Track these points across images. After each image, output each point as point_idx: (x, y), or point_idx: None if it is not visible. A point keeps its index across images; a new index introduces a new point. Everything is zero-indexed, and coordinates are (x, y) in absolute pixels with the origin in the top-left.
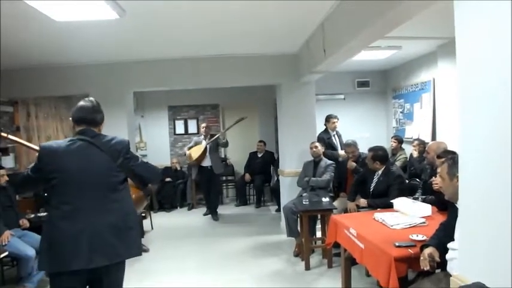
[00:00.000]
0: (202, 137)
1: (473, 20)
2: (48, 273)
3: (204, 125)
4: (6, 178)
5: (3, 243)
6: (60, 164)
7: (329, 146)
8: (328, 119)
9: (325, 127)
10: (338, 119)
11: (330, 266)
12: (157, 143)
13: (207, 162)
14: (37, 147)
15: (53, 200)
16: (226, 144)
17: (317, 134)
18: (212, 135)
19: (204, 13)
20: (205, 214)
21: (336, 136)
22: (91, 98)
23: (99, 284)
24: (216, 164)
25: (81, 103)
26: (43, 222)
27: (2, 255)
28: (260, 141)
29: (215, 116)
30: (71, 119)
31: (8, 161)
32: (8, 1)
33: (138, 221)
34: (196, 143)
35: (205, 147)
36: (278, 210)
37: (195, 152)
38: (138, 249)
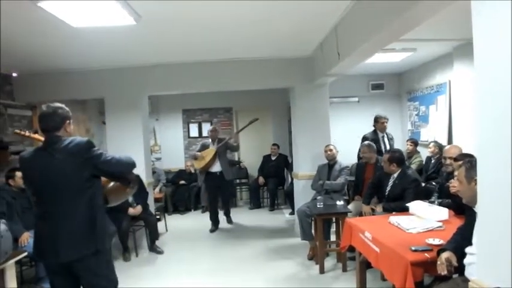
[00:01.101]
0: (210, 141)
1: (491, 20)
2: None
3: (210, 128)
4: None
5: (23, 245)
6: (28, 173)
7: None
8: (377, 119)
9: (373, 128)
10: (387, 120)
11: (344, 269)
12: (171, 146)
13: (216, 168)
14: None
15: (35, 204)
16: (237, 148)
17: (331, 137)
18: (220, 139)
19: (217, 17)
20: (212, 230)
21: (385, 138)
22: (50, 104)
23: (79, 272)
24: (226, 169)
25: (41, 112)
26: None
27: (21, 256)
28: (274, 145)
29: (228, 119)
30: None
31: None
32: (26, 7)
33: (103, 216)
34: (204, 147)
35: (216, 153)
36: (292, 213)
37: (203, 159)
38: (102, 242)
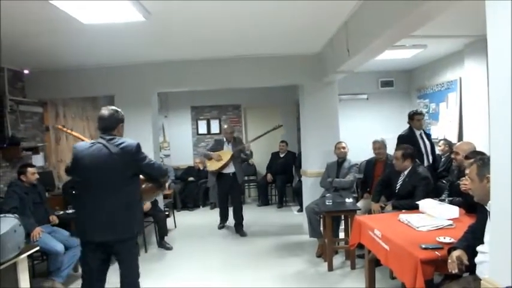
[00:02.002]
0: (225, 139)
1: (506, 17)
2: (80, 242)
3: (226, 128)
4: (37, 176)
5: (35, 240)
6: (81, 161)
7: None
8: (411, 116)
9: (408, 125)
10: (424, 115)
11: (353, 267)
12: (180, 142)
13: (229, 169)
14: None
15: (80, 189)
16: (250, 156)
17: (340, 134)
18: (235, 138)
19: (226, 14)
20: (220, 227)
21: (424, 136)
22: (109, 107)
23: (119, 254)
24: (239, 172)
25: (100, 112)
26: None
27: (33, 251)
28: (282, 142)
29: (237, 116)
30: None
31: (39, 160)
32: (38, 4)
33: (140, 208)
34: (218, 144)
35: (232, 155)
36: (300, 210)
37: (220, 161)
38: (137, 229)
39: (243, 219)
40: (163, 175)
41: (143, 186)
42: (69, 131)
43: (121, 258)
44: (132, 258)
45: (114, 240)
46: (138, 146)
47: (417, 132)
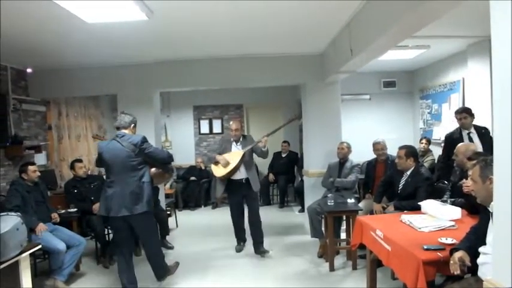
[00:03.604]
0: (232, 139)
1: (510, 18)
2: (105, 216)
3: (232, 123)
4: (38, 174)
5: (39, 234)
6: (105, 154)
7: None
8: (455, 115)
9: (458, 125)
10: (468, 114)
11: (354, 267)
12: (182, 142)
13: (240, 174)
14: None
15: (106, 176)
16: (266, 154)
17: (342, 135)
18: (245, 137)
19: (229, 14)
20: (238, 249)
21: (473, 136)
22: (124, 111)
23: (135, 227)
24: (254, 178)
25: (118, 116)
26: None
27: (36, 249)
28: (284, 142)
29: (239, 116)
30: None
31: (41, 158)
32: (40, 3)
33: (150, 190)
34: (225, 143)
35: (243, 156)
36: (301, 210)
37: (227, 165)
38: (147, 206)
39: (263, 236)
40: (167, 161)
41: (154, 171)
42: (105, 138)
43: (139, 231)
44: (149, 230)
45: (129, 215)
46: (143, 139)
47: (465, 132)
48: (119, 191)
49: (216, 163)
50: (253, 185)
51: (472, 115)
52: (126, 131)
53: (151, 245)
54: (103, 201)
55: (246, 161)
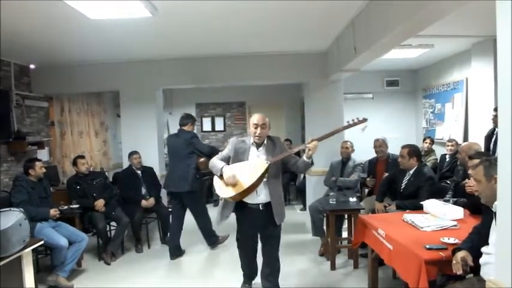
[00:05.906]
0: (251, 141)
1: None
2: (167, 192)
3: (257, 117)
4: (44, 170)
5: (54, 217)
6: (169, 144)
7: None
8: (494, 111)
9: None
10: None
11: (355, 266)
12: None
13: (257, 198)
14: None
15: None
16: (308, 168)
17: (345, 133)
18: (271, 138)
19: (232, 12)
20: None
21: None
22: (186, 112)
23: (187, 204)
24: (279, 205)
25: (181, 116)
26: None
27: (38, 244)
28: (286, 140)
29: (241, 113)
30: None
31: (43, 154)
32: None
33: (194, 175)
34: (239, 150)
35: (267, 169)
36: (303, 209)
37: (239, 185)
38: (192, 187)
39: (278, 277)
40: (210, 152)
41: (200, 159)
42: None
43: (189, 207)
44: (198, 205)
45: (180, 191)
46: (193, 135)
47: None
48: (174, 172)
49: (221, 176)
50: (276, 215)
51: None
52: (185, 128)
53: (201, 218)
54: (166, 180)
55: (271, 177)
